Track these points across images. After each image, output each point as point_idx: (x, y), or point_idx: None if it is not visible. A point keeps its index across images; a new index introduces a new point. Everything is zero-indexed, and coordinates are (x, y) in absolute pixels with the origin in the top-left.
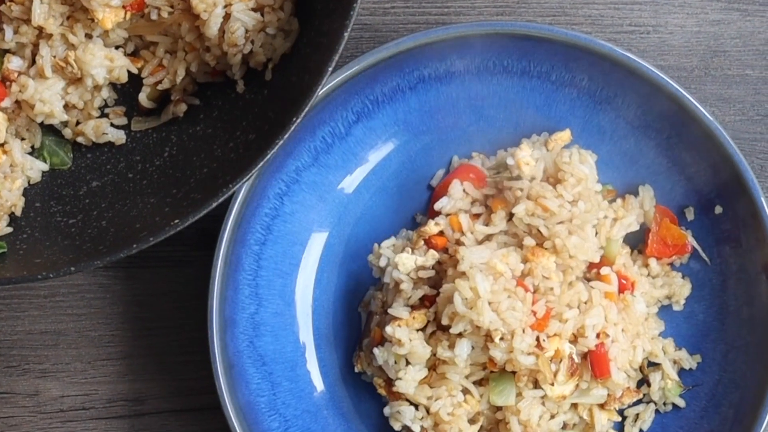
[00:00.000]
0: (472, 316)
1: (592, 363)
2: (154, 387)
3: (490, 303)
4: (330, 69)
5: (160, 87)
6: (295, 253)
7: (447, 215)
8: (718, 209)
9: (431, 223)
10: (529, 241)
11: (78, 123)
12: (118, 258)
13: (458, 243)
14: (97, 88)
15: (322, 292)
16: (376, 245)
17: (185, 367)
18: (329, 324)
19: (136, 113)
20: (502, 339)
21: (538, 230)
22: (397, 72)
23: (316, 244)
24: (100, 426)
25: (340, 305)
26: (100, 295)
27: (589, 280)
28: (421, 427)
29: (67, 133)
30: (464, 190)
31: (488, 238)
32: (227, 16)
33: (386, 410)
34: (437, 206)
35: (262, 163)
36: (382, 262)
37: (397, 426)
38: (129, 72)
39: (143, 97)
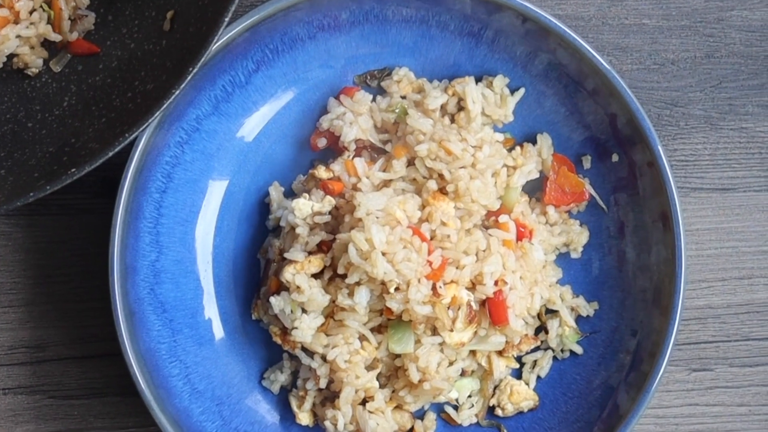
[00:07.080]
0: (366, 267)
1: (490, 310)
2: (56, 334)
3: (385, 254)
4: (226, 20)
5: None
6: (195, 201)
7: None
8: (615, 157)
9: (321, 168)
10: (430, 185)
11: None
12: (14, 206)
13: (355, 189)
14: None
15: (223, 239)
16: (271, 190)
17: (86, 314)
18: (229, 271)
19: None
20: (397, 290)
21: (440, 175)
22: (297, 21)
23: (217, 192)
24: (1, 372)
25: (240, 253)
26: (1, 242)
27: (487, 228)
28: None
29: None
30: (342, 103)
31: (386, 184)
32: None
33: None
34: (318, 123)
35: (158, 113)
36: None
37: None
38: None
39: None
